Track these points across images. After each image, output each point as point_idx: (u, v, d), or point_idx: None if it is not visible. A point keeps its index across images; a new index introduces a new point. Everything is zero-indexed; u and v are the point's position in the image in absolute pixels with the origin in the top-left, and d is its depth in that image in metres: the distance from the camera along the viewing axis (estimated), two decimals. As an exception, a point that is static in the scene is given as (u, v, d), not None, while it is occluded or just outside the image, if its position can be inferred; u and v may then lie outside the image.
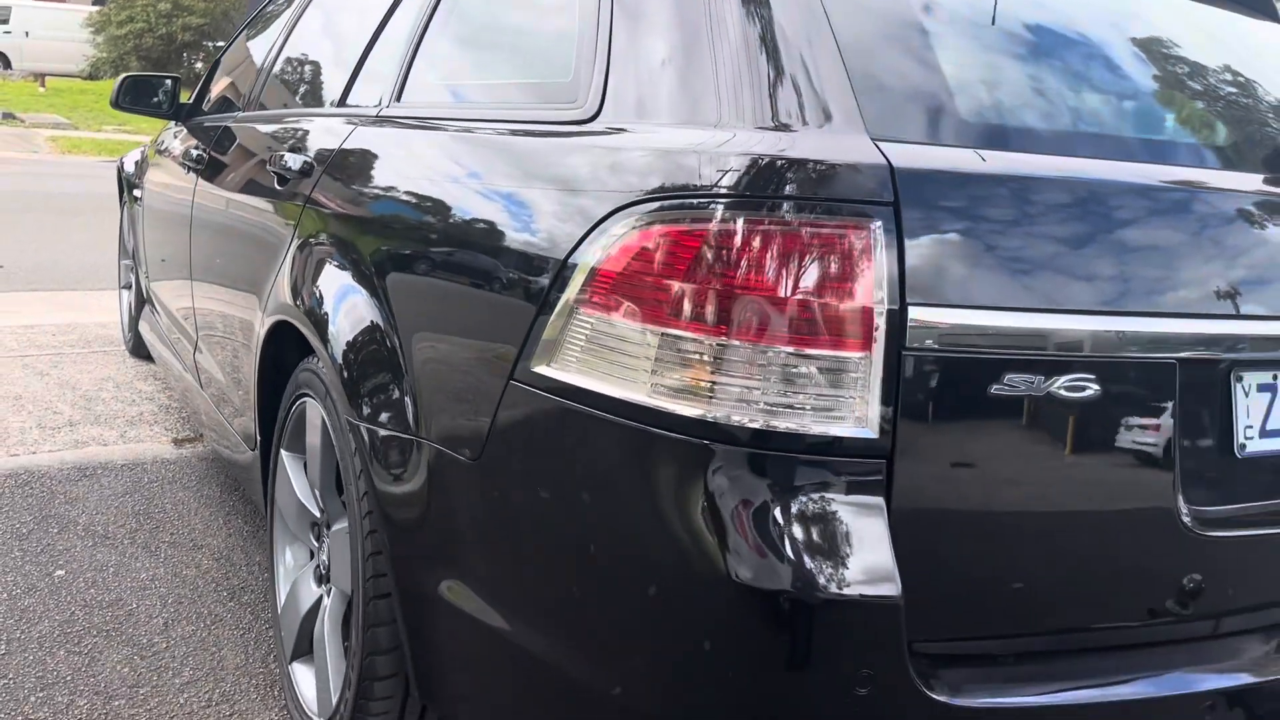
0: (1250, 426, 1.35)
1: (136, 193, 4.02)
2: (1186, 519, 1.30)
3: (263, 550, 2.71)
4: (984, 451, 1.21)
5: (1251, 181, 1.44)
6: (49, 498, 2.89)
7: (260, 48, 3.12)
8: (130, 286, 4.46)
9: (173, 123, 3.74)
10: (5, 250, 6.95)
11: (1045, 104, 1.41)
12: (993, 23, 1.46)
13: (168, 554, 2.65)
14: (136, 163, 4.16)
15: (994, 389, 1.19)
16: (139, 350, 4.36)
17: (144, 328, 4.03)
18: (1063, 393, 1.21)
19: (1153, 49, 1.64)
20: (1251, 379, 1.35)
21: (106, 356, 4.46)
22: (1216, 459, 1.34)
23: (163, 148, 3.64)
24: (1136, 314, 1.24)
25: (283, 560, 2.20)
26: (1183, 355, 1.27)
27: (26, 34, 23.58)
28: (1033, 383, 1.20)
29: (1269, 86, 1.70)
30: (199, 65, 24.03)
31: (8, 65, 23.62)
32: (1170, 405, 1.27)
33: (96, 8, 23.99)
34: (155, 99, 3.57)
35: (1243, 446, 1.35)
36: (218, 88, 3.44)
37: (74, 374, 4.14)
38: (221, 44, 24.05)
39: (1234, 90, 1.67)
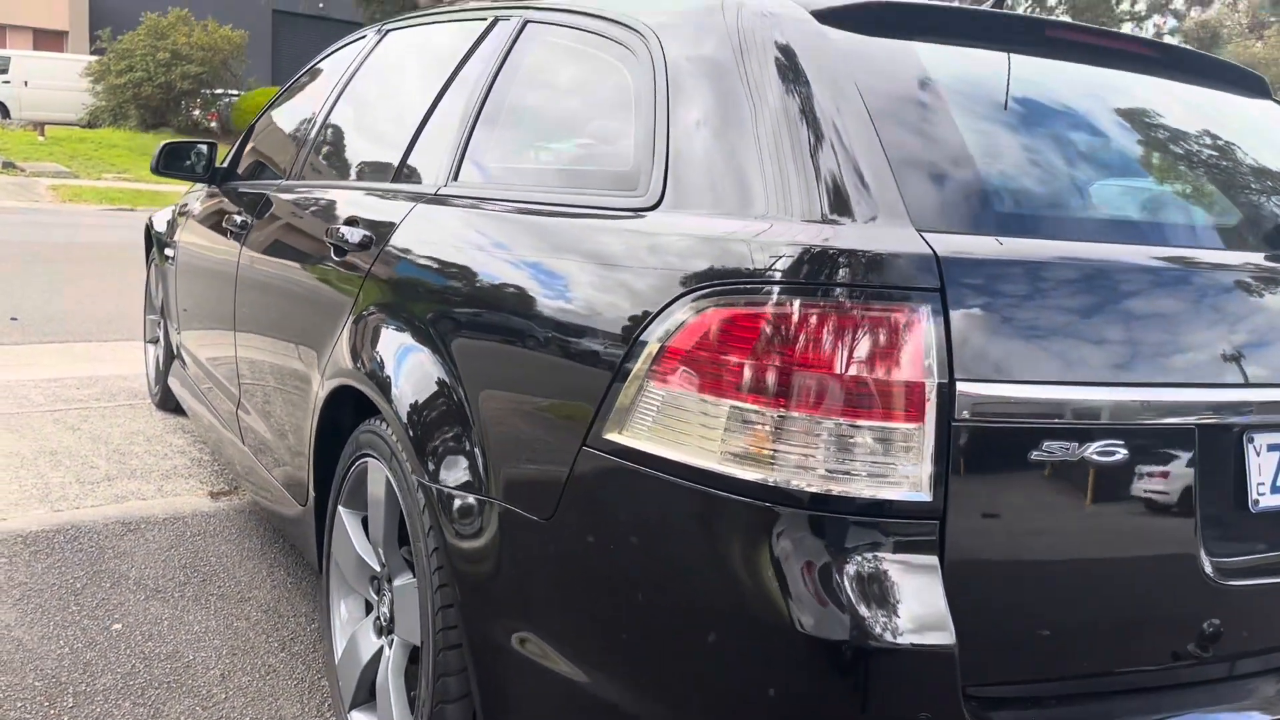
0: (1262, 484, 1.48)
1: (169, 252, 4.14)
2: (1209, 570, 1.43)
3: (307, 601, 2.82)
4: (1027, 512, 1.33)
5: (1258, 260, 1.58)
6: (99, 553, 2.99)
7: (299, 118, 3.27)
8: (157, 341, 4.58)
9: (204, 185, 3.87)
10: (17, 301, 7.07)
11: (1073, 192, 1.55)
12: (1022, 117, 1.61)
13: (218, 606, 2.75)
14: (168, 222, 4.29)
15: (1034, 455, 1.32)
16: (166, 403, 4.47)
17: (174, 382, 4.14)
18: (1096, 458, 1.34)
19: (1166, 138, 1.80)
20: (1262, 440, 1.48)
21: (133, 410, 4.57)
22: (1233, 514, 1.47)
23: (198, 211, 3.77)
24: (1159, 385, 1.38)
25: (338, 613, 2.30)
26: (1201, 421, 1.41)
27: (25, 83, 23.85)
28: (1068, 449, 1.33)
29: (1276, 166, 1.85)
30: (196, 113, 24.31)
31: (7, 114, 23.85)
32: (1192, 466, 1.40)
33: (95, 58, 24.29)
34: (188, 162, 3.71)
35: (1256, 502, 1.48)
36: (253, 154, 3.58)
37: (104, 428, 4.24)
38: (220, 91, 24.41)
39: (1247, 173, 1.83)
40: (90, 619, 2.62)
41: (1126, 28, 32.07)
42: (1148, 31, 32.88)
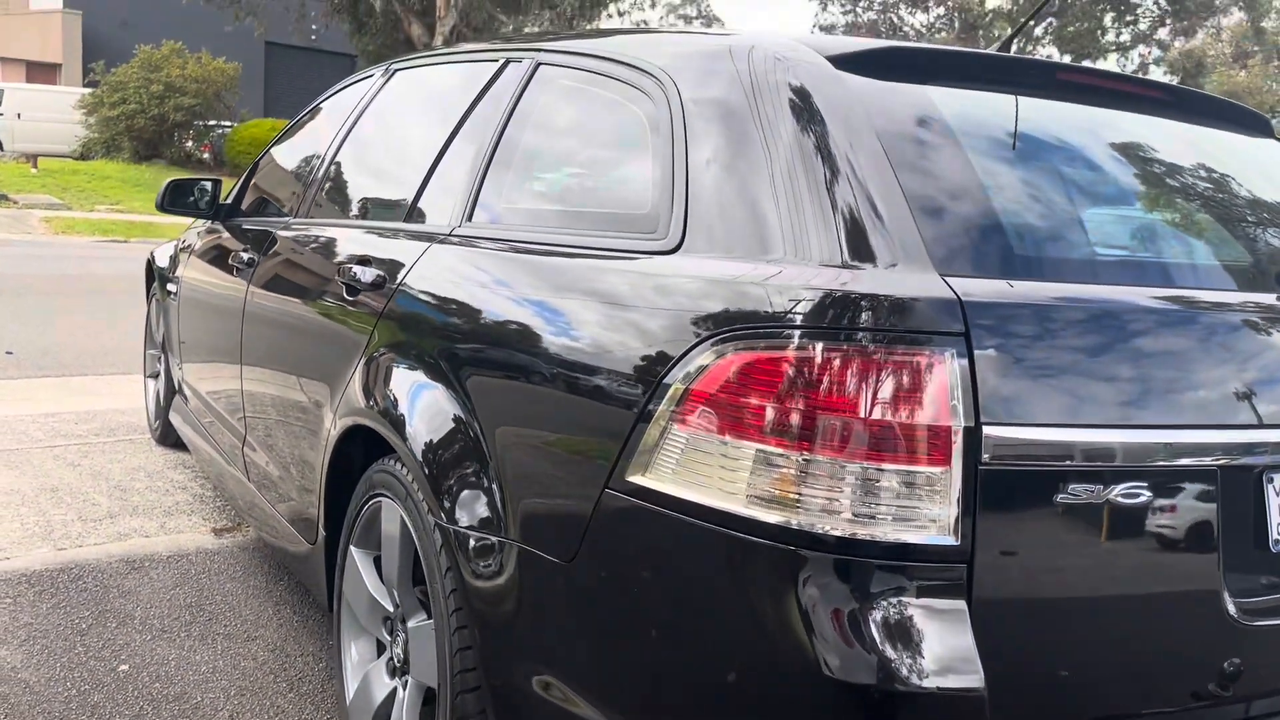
0: (1282, 523, 1.49)
1: (171, 287, 4.14)
2: (1232, 610, 1.43)
3: (315, 640, 2.80)
4: (1053, 554, 1.34)
5: (1271, 300, 1.60)
6: (103, 592, 2.97)
7: (305, 156, 3.28)
8: (157, 376, 4.57)
9: (206, 221, 3.87)
10: (11, 334, 7.05)
11: (1092, 234, 1.57)
12: (1038, 160, 1.63)
13: (224, 646, 2.73)
14: (171, 257, 4.30)
15: (1059, 497, 1.33)
16: (166, 438, 4.46)
17: (175, 418, 4.13)
18: (1121, 499, 1.35)
19: (1178, 179, 1.83)
20: (1281, 480, 1.50)
21: (133, 445, 4.55)
22: (1254, 554, 1.48)
23: (202, 246, 3.77)
24: (1183, 426, 1.39)
25: (349, 653, 2.29)
26: (1223, 462, 1.42)
27: (19, 116, 23.89)
28: (1094, 491, 1.33)
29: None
30: (189, 144, 24.38)
31: (0, 147, 23.86)
32: (1215, 507, 1.41)
33: (89, 90, 24.36)
34: (192, 198, 3.72)
35: (1277, 542, 1.49)
36: (258, 191, 3.59)
37: (104, 464, 4.22)
38: (213, 123, 24.50)
39: (1261, 212, 1.86)
40: (97, 660, 2.60)
41: (1112, 58, 32.44)
42: (1133, 61, 33.27)
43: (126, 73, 23.26)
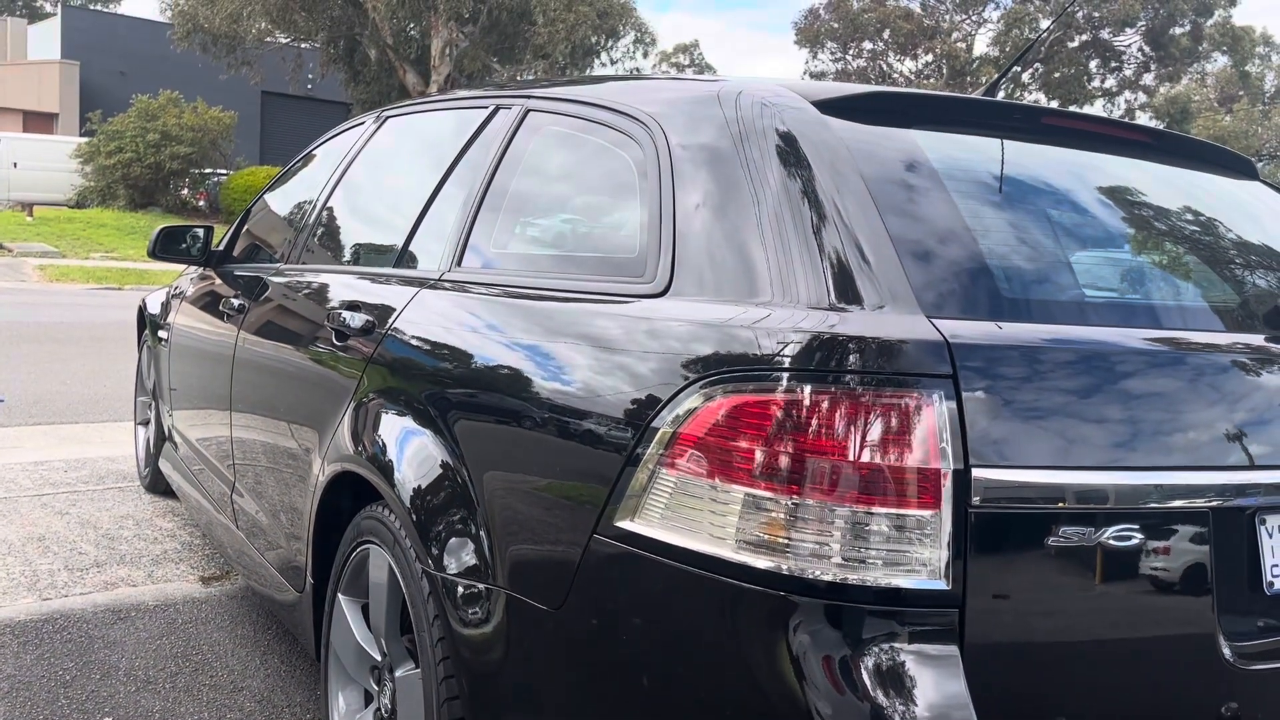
0: (1276, 566, 1.48)
1: (162, 334, 4.13)
2: (1228, 654, 1.42)
3: (302, 690, 2.76)
4: (1045, 597, 1.32)
5: (1260, 341, 1.60)
6: (88, 643, 2.93)
7: (296, 203, 3.29)
8: (148, 423, 4.55)
9: (198, 268, 3.88)
10: (3, 381, 7.02)
11: (1079, 276, 1.57)
12: (1024, 202, 1.64)
13: (210, 698, 2.69)
14: (162, 304, 4.29)
15: (1051, 540, 1.31)
16: (156, 486, 4.42)
17: (165, 465, 4.10)
18: (1113, 542, 1.33)
19: (1165, 222, 1.84)
20: (1274, 521, 1.48)
21: (122, 493, 4.51)
22: (1248, 596, 1.46)
23: (193, 293, 3.77)
24: (1175, 468, 1.38)
25: (337, 705, 2.25)
26: (1215, 503, 1.41)
27: (15, 165, 24.00)
28: (1086, 534, 1.32)
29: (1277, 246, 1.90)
30: (185, 192, 24.51)
31: (-4, 196, 23.97)
32: (1208, 549, 1.40)
33: (85, 139, 24.52)
34: (184, 245, 3.72)
35: (1270, 584, 1.47)
36: (249, 238, 3.59)
37: (93, 512, 4.19)
38: (209, 171, 24.66)
39: (1248, 254, 1.87)
40: (80, 713, 2.55)
41: (1098, 104, 32.85)
42: (1119, 107, 33.69)
43: (123, 122, 23.45)
